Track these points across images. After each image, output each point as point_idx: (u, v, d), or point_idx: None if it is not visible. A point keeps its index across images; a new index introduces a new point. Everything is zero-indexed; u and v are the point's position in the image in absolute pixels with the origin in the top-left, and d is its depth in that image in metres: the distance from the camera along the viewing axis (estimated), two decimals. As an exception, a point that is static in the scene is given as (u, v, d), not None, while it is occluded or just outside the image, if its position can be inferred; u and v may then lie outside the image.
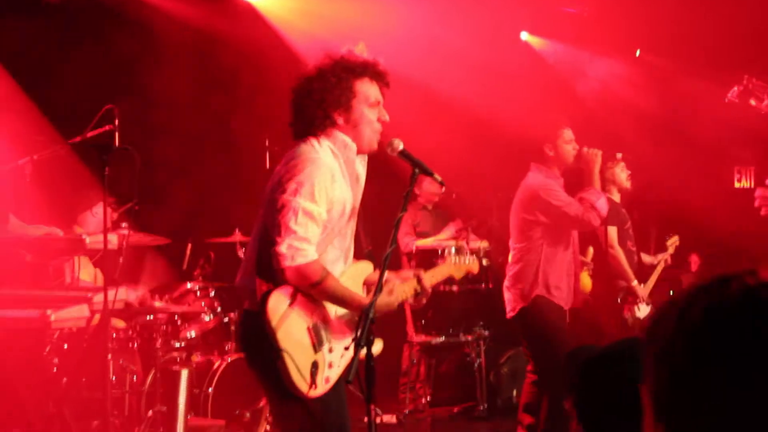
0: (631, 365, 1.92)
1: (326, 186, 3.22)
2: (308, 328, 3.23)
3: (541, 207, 5.31)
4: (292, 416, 3.25)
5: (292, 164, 3.25)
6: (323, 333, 3.27)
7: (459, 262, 3.99)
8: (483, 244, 7.01)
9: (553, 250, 5.32)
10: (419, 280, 3.47)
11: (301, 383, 3.15)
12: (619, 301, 6.06)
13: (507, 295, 5.43)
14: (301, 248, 3.13)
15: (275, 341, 3.13)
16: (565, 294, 5.38)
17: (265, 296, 3.18)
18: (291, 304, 3.19)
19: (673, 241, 6.75)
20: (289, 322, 3.17)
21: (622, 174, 6.28)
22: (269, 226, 3.24)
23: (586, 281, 6.40)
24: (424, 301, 3.51)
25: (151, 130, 7.14)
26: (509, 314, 5.42)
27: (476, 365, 6.88)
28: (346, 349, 3.22)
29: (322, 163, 3.26)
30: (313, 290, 3.20)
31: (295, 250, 3.13)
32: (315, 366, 3.19)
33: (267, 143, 6.45)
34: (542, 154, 5.39)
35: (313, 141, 3.33)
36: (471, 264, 4.04)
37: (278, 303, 3.17)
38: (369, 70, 3.39)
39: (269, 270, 3.21)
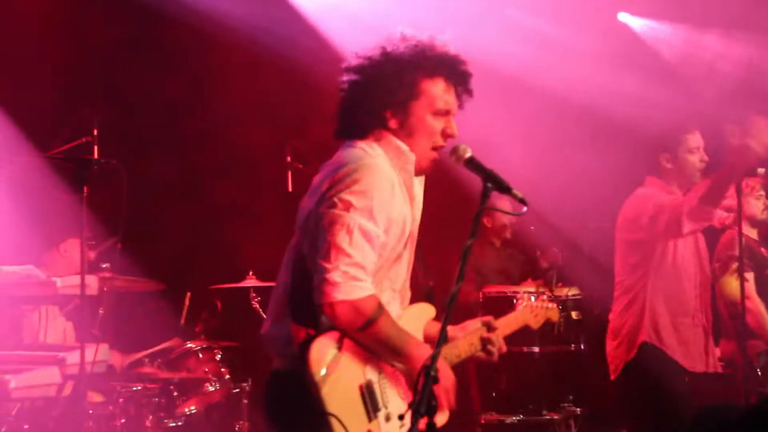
0: None
1: (386, 200, 3.10)
2: (360, 387, 3.13)
3: (640, 217, 4.98)
4: None
5: (342, 172, 3.12)
6: (379, 395, 3.17)
7: (537, 306, 3.99)
8: (572, 291, 6.80)
9: (663, 279, 5.01)
10: (490, 328, 3.42)
11: None
12: (758, 370, 5.65)
13: (609, 348, 5.19)
14: (358, 277, 3.04)
15: (320, 403, 3.01)
16: (685, 346, 5.03)
17: (306, 345, 3.05)
18: (339, 356, 3.09)
19: None
20: (336, 378, 3.05)
21: (757, 202, 5.97)
22: (310, 250, 3.13)
23: (733, 285, 5.73)
24: (497, 356, 3.45)
25: (138, 142, 7.11)
26: (612, 375, 5.17)
27: (566, 454, 6.52)
28: (401, 418, 3.07)
29: (380, 170, 3.14)
30: (361, 333, 3.08)
31: (351, 279, 3.03)
32: None
33: (289, 159, 6.36)
34: (658, 166, 5.16)
35: (362, 145, 3.22)
36: (551, 311, 4.10)
37: (323, 354, 3.05)
38: (446, 68, 3.23)
39: (308, 310, 3.10)
